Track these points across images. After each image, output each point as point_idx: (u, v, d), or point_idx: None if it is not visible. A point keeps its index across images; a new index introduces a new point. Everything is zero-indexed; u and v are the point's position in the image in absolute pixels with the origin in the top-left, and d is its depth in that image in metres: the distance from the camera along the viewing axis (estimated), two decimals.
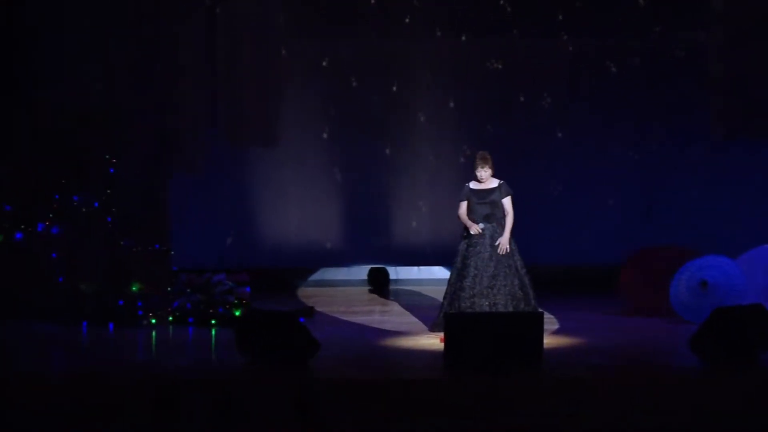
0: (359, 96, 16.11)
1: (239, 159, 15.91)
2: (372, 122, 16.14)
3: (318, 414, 9.25)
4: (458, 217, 12.27)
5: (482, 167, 12.13)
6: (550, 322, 12.53)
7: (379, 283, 16.25)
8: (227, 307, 13.24)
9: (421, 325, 12.81)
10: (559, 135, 16.16)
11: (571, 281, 15.51)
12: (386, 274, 16.38)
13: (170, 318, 13.18)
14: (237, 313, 13.02)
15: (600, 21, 15.84)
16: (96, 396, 9.74)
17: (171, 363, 11.21)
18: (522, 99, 16.15)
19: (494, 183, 12.19)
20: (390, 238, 16.35)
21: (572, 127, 16.13)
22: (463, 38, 16.09)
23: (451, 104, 16.17)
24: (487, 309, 11.81)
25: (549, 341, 11.19)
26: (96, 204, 13.47)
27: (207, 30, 14.39)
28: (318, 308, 14.16)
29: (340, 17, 15.76)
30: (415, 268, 16.73)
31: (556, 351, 11.12)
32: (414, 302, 14.79)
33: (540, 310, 11.86)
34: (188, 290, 13.37)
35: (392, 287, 16.25)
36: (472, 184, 12.25)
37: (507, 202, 12.15)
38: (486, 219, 12.13)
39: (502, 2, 15.92)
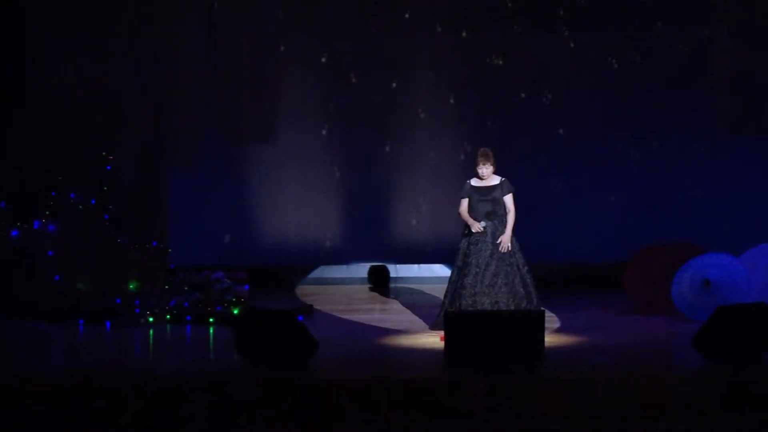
0: (359, 93, 16.06)
1: (238, 156, 15.86)
2: (372, 119, 16.08)
3: (317, 413, 9.20)
4: (459, 215, 12.19)
5: (484, 164, 12.03)
6: (551, 320, 12.47)
7: (379, 281, 16.17)
8: (225, 305, 13.21)
9: (421, 324, 12.75)
10: (560, 132, 16.09)
11: (572, 279, 15.46)
12: (386, 271, 16.30)
13: (168, 316, 13.13)
14: (235, 312, 13.00)
15: (601, 17, 15.79)
16: (93, 395, 9.71)
17: (169, 362, 11.15)
18: (523, 95, 16.09)
19: (496, 180, 12.10)
20: (390, 235, 16.29)
21: (573, 124, 16.07)
22: (464, 34, 16.03)
23: (451, 101, 16.11)
24: (488, 307, 11.73)
25: (550, 340, 11.15)
26: (93, 201, 13.39)
27: (205, 27, 14.31)
28: (317, 306, 14.12)
29: (339, 13, 15.72)
30: (416, 265, 16.65)
31: (557, 350, 11.08)
32: (414, 300, 14.73)
33: (542, 308, 11.78)
34: (186, 288, 13.34)
35: (392, 285, 16.18)
36: (474, 181, 12.16)
37: (509, 199, 12.06)
38: (487, 216, 12.04)
39: None
